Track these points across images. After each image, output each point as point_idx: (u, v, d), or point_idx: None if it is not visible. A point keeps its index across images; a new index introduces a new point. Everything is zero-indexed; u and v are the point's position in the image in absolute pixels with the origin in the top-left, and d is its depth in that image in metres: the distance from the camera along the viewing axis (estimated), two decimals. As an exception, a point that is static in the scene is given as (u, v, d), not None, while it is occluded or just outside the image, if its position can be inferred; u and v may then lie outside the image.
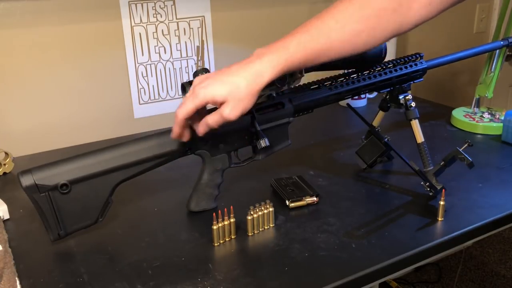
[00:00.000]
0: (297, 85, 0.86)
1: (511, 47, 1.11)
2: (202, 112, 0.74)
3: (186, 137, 0.76)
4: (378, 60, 0.90)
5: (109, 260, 0.73)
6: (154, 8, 1.25)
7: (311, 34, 0.71)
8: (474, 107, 1.29)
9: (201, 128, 0.73)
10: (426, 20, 0.75)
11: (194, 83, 0.73)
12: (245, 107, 0.70)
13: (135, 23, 1.24)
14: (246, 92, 0.69)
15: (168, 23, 1.28)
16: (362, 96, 1.46)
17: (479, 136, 1.18)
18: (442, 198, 0.80)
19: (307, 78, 0.87)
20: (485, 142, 1.15)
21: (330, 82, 0.88)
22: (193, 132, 0.77)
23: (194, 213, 0.85)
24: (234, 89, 0.69)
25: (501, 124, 1.14)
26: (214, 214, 0.75)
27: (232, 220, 0.77)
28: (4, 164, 1.05)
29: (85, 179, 0.73)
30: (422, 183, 0.88)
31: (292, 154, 1.08)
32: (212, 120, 0.71)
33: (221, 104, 0.70)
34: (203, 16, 1.32)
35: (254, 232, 0.79)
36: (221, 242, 0.77)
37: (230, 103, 0.69)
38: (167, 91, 1.34)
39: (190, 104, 0.70)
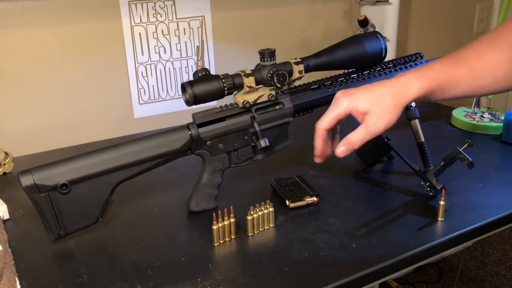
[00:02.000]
0: (297, 85, 0.86)
1: (511, 47, 1.11)
2: (336, 131, 0.71)
3: (326, 153, 0.70)
4: (378, 60, 0.89)
5: (109, 260, 0.73)
6: (154, 8, 1.25)
7: (455, 59, 0.71)
8: (474, 107, 1.29)
9: (345, 148, 0.67)
10: None
11: (336, 94, 0.70)
12: (390, 119, 0.66)
13: (135, 23, 1.24)
14: (391, 103, 0.65)
15: (168, 23, 1.28)
16: (362, 96, 1.45)
17: (479, 136, 1.18)
18: (442, 198, 0.80)
19: (307, 78, 0.87)
20: (485, 142, 1.14)
21: (330, 82, 0.88)
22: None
23: (194, 213, 0.85)
24: (378, 99, 0.65)
25: (501, 124, 1.14)
26: (214, 214, 0.75)
27: (232, 220, 0.77)
28: (4, 164, 1.05)
29: (85, 179, 0.73)
30: (422, 183, 0.88)
31: (292, 154, 1.08)
32: (355, 137, 0.66)
33: (363, 116, 0.66)
34: (203, 16, 1.32)
35: (254, 232, 0.79)
36: (221, 242, 0.77)
37: (374, 114, 0.65)
38: (167, 91, 1.34)
39: (331, 114, 0.67)
